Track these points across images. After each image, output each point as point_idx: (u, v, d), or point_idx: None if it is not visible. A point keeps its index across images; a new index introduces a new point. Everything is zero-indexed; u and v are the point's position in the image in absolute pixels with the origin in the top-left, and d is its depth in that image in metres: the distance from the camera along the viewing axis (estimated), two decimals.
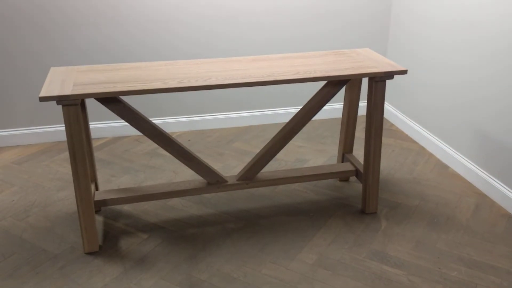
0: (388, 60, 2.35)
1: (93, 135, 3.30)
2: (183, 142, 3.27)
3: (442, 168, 2.92)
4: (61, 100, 1.92)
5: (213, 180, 2.40)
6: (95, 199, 2.30)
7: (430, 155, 3.08)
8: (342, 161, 2.74)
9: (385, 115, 3.65)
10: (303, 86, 3.48)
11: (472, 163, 2.74)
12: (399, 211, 2.49)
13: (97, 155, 3.09)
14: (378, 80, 2.23)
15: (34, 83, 3.15)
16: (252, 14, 3.26)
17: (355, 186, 2.71)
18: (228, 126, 3.51)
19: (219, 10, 3.21)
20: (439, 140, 3.03)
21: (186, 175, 2.84)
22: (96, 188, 2.46)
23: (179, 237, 2.30)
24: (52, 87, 1.99)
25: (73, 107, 1.96)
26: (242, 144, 3.24)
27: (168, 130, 3.42)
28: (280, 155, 3.07)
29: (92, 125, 3.28)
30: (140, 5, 3.10)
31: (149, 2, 3.11)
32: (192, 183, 2.41)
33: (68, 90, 1.95)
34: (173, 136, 3.33)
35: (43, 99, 1.90)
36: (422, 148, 3.17)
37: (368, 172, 2.40)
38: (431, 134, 3.11)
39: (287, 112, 3.56)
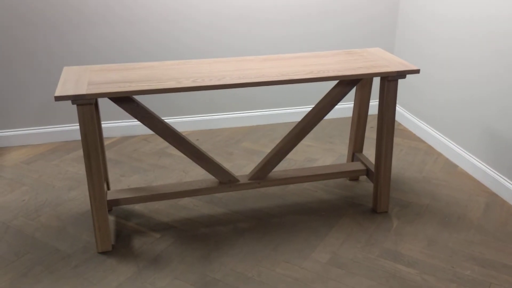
0: (400, 59, 2.36)
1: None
2: (193, 140, 3.27)
3: (451, 167, 2.93)
4: (76, 99, 1.92)
5: (225, 180, 2.41)
6: (107, 198, 2.30)
7: (439, 154, 3.08)
8: (352, 160, 2.74)
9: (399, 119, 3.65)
10: (311, 85, 3.49)
11: (481, 162, 2.75)
12: (410, 210, 2.49)
13: (106, 154, 3.09)
14: (391, 80, 2.23)
15: (43, 82, 3.15)
16: (262, 12, 3.27)
17: (365, 185, 2.72)
18: (236, 126, 3.51)
19: (231, 8, 3.21)
20: (447, 139, 3.04)
21: (196, 175, 2.84)
22: (108, 188, 2.47)
23: (191, 236, 2.30)
24: (67, 87, 1.99)
25: (88, 107, 1.96)
26: (251, 144, 3.24)
27: (178, 129, 3.41)
28: (289, 154, 3.07)
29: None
30: (152, 4, 3.10)
31: (161, 1, 3.11)
32: (204, 183, 2.42)
33: (83, 90, 1.95)
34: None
35: (58, 98, 1.90)
36: (430, 147, 3.17)
37: (380, 172, 2.40)
38: (439, 133, 3.12)
39: (295, 112, 3.57)
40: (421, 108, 3.32)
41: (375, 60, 2.36)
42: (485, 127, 2.69)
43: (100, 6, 3.04)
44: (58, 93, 1.92)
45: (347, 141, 3.27)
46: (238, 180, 2.43)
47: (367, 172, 2.58)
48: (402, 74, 2.22)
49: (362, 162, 2.62)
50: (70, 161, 3.02)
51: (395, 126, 3.52)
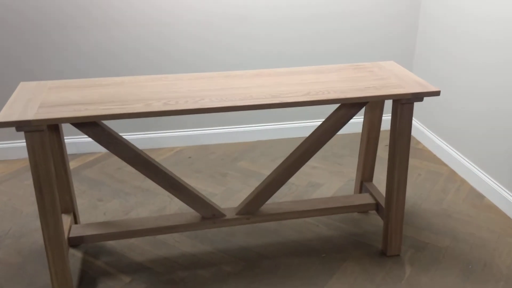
0: (416, 77, 1.98)
1: (83, 149, 2.99)
2: (184, 159, 2.94)
3: (476, 197, 2.53)
4: (21, 126, 1.60)
5: (209, 214, 2.07)
6: (71, 235, 1.99)
7: (463, 181, 2.68)
8: (361, 191, 2.37)
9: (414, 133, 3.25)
10: None
11: (509, 192, 2.35)
12: (426, 254, 2.11)
13: (86, 173, 2.78)
14: (405, 103, 1.86)
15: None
16: (257, 19, 2.91)
17: (375, 220, 2.35)
18: (233, 141, 3.17)
19: (220, 16, 2.86)
20: (473, 164, 2.64)
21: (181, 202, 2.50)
22: (75, 221, 2.14)
23: (167, 281, 1.97)
24: (13, 109, 1.66)
25: (38, 134, 1.64)
26: (248, 163, 2.89)
27: (167, 145, 3.09)
28: (292, 179, 2.71)
29: (82, 139, 2.96)
30: (129, 7, 2.77)
31: (141, 5, 2.77)
32: (184, 217, 2.08)
33: (31, 113, 1.63)
34: (173, 151, 3.01)
35: (1, 124, 1.59)
36: (453, 172, 2.78)
37: (391, 209, 2.03)
38: (463, 156, 2.72)
39: (300, 126, 3.20)
40: (443, 128, 2.92)
41: (386, 77, 1.98)
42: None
43: (75, 9, 2.72)
44: (0, 118, 1.60)
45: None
46: (224, 215, 2.09)
47: (377, 207, 2.21)
48: (419, 97, 1.84)
49: (372, 195, 2.25)
50: None
51: (414, 145, 3.12)
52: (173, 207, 2.46)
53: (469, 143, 2.67)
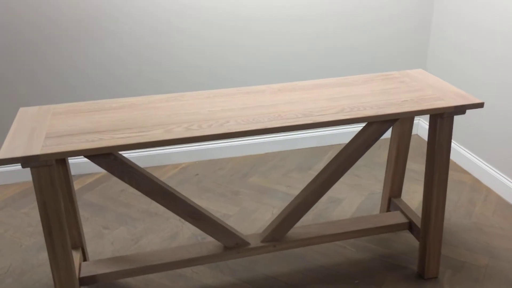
0: (453, 87, 1.83)
1: (81, 170, 2.78)
2: (190, 176, 2.75)
3: (506, 208, 2.40)
4: (27, 162, 1.40)
5: (232, 243, 1.89)
6: (81, 275, 1.79)
7: (488, 190, 2.55)
8: (388, 208, 2.22)
9: (426, 136, 3.12)
10: None
11: None
12: (465, 274, 1.97)
13: (87, 198, 2.57)
14: (446, 116, 1.71)
15: (9, 111, 2.63)
16: (268, 25, 2.74)
17: (405, 238, 2.20)
18: (241, 154, 2.99)
19: (224, 28, 2.68)
20: (498, 171, 2.51)
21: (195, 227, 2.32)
22: (84, 257, 1.95)
23: None
24: (16, 142, 1.47)
25: (46, 169, 1.45)
26: (260, 179, 2.72)
27: (170, 161, 2.90)
28: None
29: (78, 158, 2.75)
30: (131, 18, 2.57)
31: (142, 18, 2.58)
32: (205, 248, 1.90)
33: (37, 146, 1.44)
34: (178, 168, 2.82)
35: (4, 161, 1.39)
36: (477, 181, 2.64)
37: (428, 230, 1.88)
38: (487, 163, 2.59)
39: (308, 136, 3.04)
40: (461, 129, 2.79)
41: (421, 88, 1.83)
42: None
43: (64, 22, 2.52)
44: (3, 154, 1.40)
45: (376, 172, 2.74)
46: (248, 243, 1.91)
47: (410, 226, 2.06)
48: (461, 110, 1.70)
49: (403, 212, 2.10)
50: None
51: None
52: (186, 232, 2.28)
53: (492, 148, 2.54)
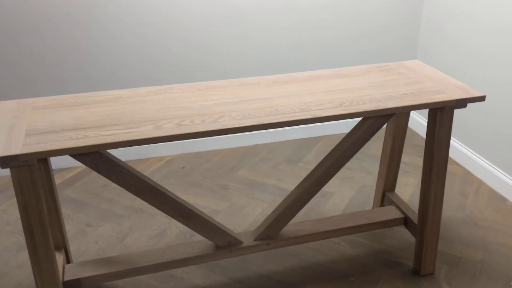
0: (454, 80, 1.77)
1: (61, 164, 2.66)
2: (176, 170, 2.66)
3: (499, 201, 2.38)
4: (7, 162, 1.30)
5: (224, 242, 1.81)
6: (65, 279, 1.69)
7: (480, 182, 2.53)
8: (382, 202, 2.17)
9: (416, 128, 3.08)
10: None
11: None
12: (461, 270, 1.94)
13: (68, 193, 2.46)
14: (446, 110, 1.65)
15: None
16: (264, 14, 2.64)
17: (399, 233, 2.15)
18: (229, 146, 2.90)
19: (216, 17, 2.57)
20: (490, 163, 2.48)
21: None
22: (67, 259, 1.85)
23: None
24: None
25: (27, 169, 1.34)
26: (249, 172, 2.64)
27: (155, 154, 2.80)
28: None
29: None
30: (116, 5, 2.44)
31: (128, 4, 2.46)
32: (196, 248, 1.82)
33: (17, 145, 1.33)
34: (163, 161, 2.72)
35: None
36: (468, 173, 2.61)
37: (425, 226, 1.84)
38: (478, 155, 2.56)
39: (298, 127, 2.97)
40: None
41: (420, 80, 1.77)
42: None
43: (45, 6, 2.38)
44: None
45: (366, 165, 2.69)
46: (240, 242, 1.84)
47: (405, 221, 2.01)
48: (463, 104, 1.64)
49: (398, 207, 2.05)
50: None
51: (417, 142, 2.94)
52: (174, 229, 2.19)
53: (483, 140, 2.51)
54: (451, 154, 2.76)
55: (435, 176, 1.76)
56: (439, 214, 1.83)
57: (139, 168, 2.67)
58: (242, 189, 2.48)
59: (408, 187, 2.48)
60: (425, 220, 1.84)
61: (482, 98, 1.64)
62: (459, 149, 2.69)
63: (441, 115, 1.66)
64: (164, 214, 2.28)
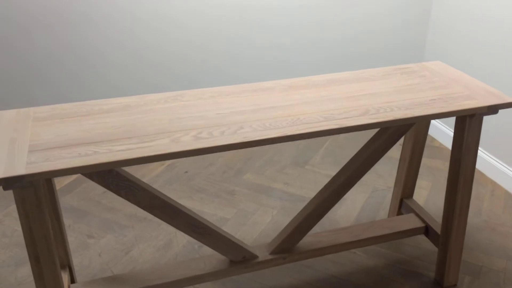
0: (481, 83, 1.68)
1: None
2: (179, 175, 2.54)
3: None
4: (10, 184, 1.17)
5: (238, 257, 1.71)
6: None
7: (494, 184, 2.45)
8: (400, 209, 2.08)
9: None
10: None
11: None
12: (484, 280, 1.86)
13: (66, 201, 2.33)
14: (476, 117, 1.56)
15: None
16: (263, 15, 2.52)
17: (418, 241, 2.07)
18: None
19: (219, 19, 2.44)
20: (504, 164, 2.41)
21: None
22: (72, 279, 1.73)
23: None
24: None
25: (31, 190, 1.22)
26: (255, 176, 2.53)
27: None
28: (308, 192, 2.38)
29: None
30: (114, 8, 2.31)
31: (127, 6, 2.32)
32: (209, 263, 1.71)
33: (21, 164, 1.20)
34: (165, 165, 2.60)
35: None
36: (480, 174, 2.54)
37: (450, 237, 1.75)
38: (491, 155, 2.49)
39: None
40: None
41: (446, 84, 1.67)
42: None
43: (36, 8, 2.23)
44: None
45: (376, 167, 2.60)
46: (256, 256, 1.74)
47: (426, 230, 1.93)
48: (494, 110, 1.55)
49: (418, 215, 1.96)
50: (17, 214, 2.25)
51: (428, 143, 2.86)
52: (181, 239, 2.08)
53: (497, 140, 2.43)
54: None
55: (462, 186, 1.67)
56: (464, 225, 1.74)
57: (140, 173, 2.55)
58: (249, 195, 2.38)
59: (422, 191, 2.40)
60: (450, 231, 1.75)
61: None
62: None
63: (470, 122, 1.57)
64: None
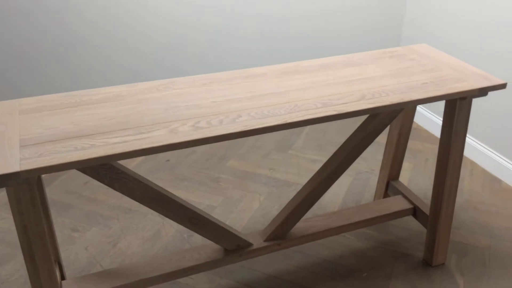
0: (470, 66, 1.70)
1: None
2: (161, 163, 2.49)
3: (494, 182, 2.37)
4: (4, 181, 1.11)
5: (233, 245, 1.70)
6: None
7: (473, 164, 2.51)
8: (387, 191, 2.10)
9: None
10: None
11: None
12: (471, 259, 1.91)
13: (47, 194, 2.25)
14: (467, 99, 1.58)
15: None
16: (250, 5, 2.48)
17: (405, 223, 2.10)
18: None
19: (204, 8, 2.39)
20: (482, 144, 2.47)
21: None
22: (62, 275, 1.67)
23: None
24: None
25: (25, 187, 1.16)
26: (239, 162, 2.51)
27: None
28: (294, 177, 2.38)
29: None
30: None
31: None
32: (204, 253, 1.69)
33: (14, 160, 1.14)
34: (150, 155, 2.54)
35: None
36: None
37: (438, 217, 1.78)
38: (469, 136, 2.54)
39: None
40: (440, 102, 2.71)
41: (435, 67, 1.68)
42: None
43: None
44: None
45: None
46: (250, 244, 1.72)
47: (414, 211, 1.96)
48: (484, 92, 1.57)
49: (405, 197, 1.99)
50: (0, 207, 2.17)
51: None
52: (169, 229, 2.05)
53: (474, 120, 2.49)
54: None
55: (451, 167, 1.70)
56: (453, 206, 1.78)
57: (121, 163, 2.48)
58: (235, 182, 2.36)
59: (404, 172, 2.44)
60: (439, 212, 1.78)
61: (503, 86, 1.58)
62: None
63: (460, 104, 1.59)
64: (156, 213, 2.13)
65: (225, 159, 2.53)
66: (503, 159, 2.36)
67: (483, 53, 2.35)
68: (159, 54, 2.49)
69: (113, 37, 2.38)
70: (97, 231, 2.04)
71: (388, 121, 1.66)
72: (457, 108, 1.60)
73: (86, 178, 2.36)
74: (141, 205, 2.17)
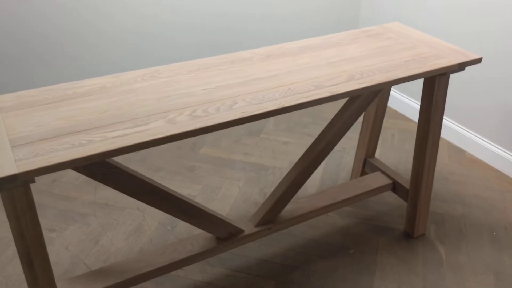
0: (444, 42, 1.75)
1: None
2: (131, 156, 2.42)
3: (458, 153, 2.48)
4: (1, 185, 1.04)
5: (225, 233, 1.68)
6: None
7: None
8: (364, 169, 2.15)
9: None
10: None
11: (496, 145, 2.33)
12: (448, 227, 2.00)
13: None
14: (447, 75, 1.63)
15: None
16: None
17: (383, 198, 2.16)
18: None
19: None
20: (444, 116, 2.57)
21: (157, 213, 2.04)
22: None
23: None
24: None
25: (21, 190, 1.09)
26: (212, 149, 2.48)
27: None
28: (269, 160, 2.39)
29: None
30: None
31: None
32: (196, 243, 1.67)
33: (9, 161, 1.07)
34: None
35: None
36: None
37: (419, 191, 1.85)
38: None
39: None
40: None
41: (414, 45, 1.72)
42: (498, 101, 2.25)
43: None
44: None
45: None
46: (242, 231, 1.71)
47: (394, 186, 2.01)
48: (462, 68, 1.63)
49: (384, 173, 2.04)
50: None
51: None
52: (151, 222, 2.00)
53: None
54: (403, 111, 2.82)
55: (431, 142, 1.76)
56: (432, 179, 1.85)
57: None
58: (211, 169, 2.33)
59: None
60: (419, 185, 1.85)
61: (479, 61, 1.65)
62: (410, 105, 2.75)
63: (439, 80, 1.64)
64: (134, 206, 2.07)
65: (196, 147, 2.49)
66: (465, 130, 2.46)
67: (439, 31, 2.44)
68: (125, 37, 2.40)
69: (90, 24, 2.26)
70: (75, 230, 1.96)
71: (371, 100, 1.69)
72: (436, 84, 1.65)
73: (54, 175, 2.25)
74: (117, 200, 2.10)
